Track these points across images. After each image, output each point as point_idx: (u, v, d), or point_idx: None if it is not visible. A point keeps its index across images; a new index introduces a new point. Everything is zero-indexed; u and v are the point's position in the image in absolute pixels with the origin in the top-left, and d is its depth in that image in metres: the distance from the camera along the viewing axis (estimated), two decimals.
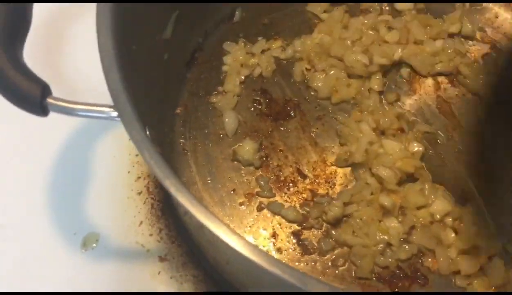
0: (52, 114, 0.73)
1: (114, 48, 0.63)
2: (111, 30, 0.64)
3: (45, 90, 0.65)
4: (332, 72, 1.01)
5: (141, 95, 0.79)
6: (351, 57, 1.00)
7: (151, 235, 0.94)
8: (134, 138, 0.57)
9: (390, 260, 0.85)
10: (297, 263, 0.87)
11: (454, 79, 1.03)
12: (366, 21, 1.05)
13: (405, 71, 1.03)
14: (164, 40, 0.93)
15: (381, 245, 0.85)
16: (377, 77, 1.00)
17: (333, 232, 0.87)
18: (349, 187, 0.92)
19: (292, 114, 1.00)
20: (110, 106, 0.63)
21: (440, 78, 1.03)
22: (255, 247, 0.54)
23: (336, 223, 0.88)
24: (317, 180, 0.94)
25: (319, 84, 1.01)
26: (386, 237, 0.85)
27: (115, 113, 0.63)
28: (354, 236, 0.86)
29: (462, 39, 1.07)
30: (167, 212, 0.95)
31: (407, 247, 0.85)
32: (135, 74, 0.75)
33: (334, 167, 0.94)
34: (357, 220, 0.86)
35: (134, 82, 0.72)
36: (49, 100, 0.65)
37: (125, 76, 0.64)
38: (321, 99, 1.01)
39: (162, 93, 0.96)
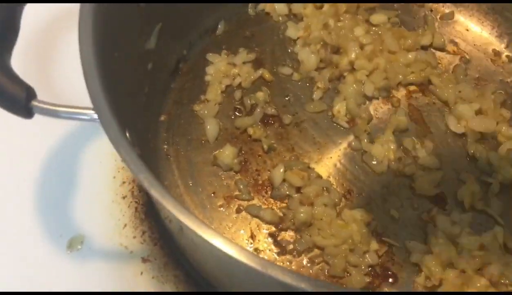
0: (40, 121, 0.77)
1: (94, 53, 0.68)
2: (92, 37, 0.69)
3: (30, 93, 0.70)
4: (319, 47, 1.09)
5: (124, 100, 0.83)
6: None
7: (134, 237, 0.97)
8: (111, 137, 0.61)
9: (361, 259, 0.89)
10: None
11: (425, 88, 1.08)
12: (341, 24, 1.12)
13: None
14: (148, 50, 0.98)
15: (350, 242, 0.89)
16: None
17: (305, 235, 0.91)
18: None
19: (271, 121, 1.05)
20: (91, 109, 0.68)
21: (412, 88, 1.08)
22: (229, 242, 0.58)
23: (307, 226, 0.92)
24: None
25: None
26: (349, 232, 0.89)
27: (96, 115, 0.67)
28: (323, 237, 0.90)
29: (434, 51, 1.12)
30: (150, 215, 0.99)
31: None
32: (118, 80, 0.80)
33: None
34: (320, 222, 0.90)
35: (116, 88, 0.77)
36: (34, 103, 0.69)
37: (106, 80, 0.69)
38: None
39: (146, 100, 1.00)
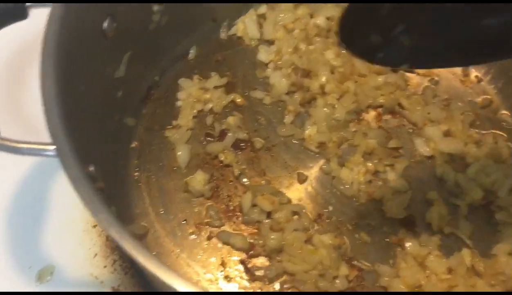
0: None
1: (56, 89, 0.68)
2: (54, 72, 0.70)
3: None
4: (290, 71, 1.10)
5: (90, 132, 0.84)
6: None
7: (105, 266, 0.97)
8: (70, 176, 0.61)
9: (331, 284, 0.89)
10: (243, 290, 0.90)
11: (395, 111, 1.09)
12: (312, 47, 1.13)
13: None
14: (117, 78, 0.98)
15: (320, 267, 0.89)
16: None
17: (276, 261, 0.92)
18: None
19: (243, 146, 1.05)
20: (51, 144, 0.68)
21: (382, 110, 1.09)
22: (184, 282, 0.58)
23: (277, 252, 0.92)
24: None
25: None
26: (319, 258, 0.89)
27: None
28: (293, 263, 0.90)
29: (403, 73, 1.14)
30: None
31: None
32: (84, 112, 0.80)
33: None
34: (291, 248, 0.91)
35: (81, 121, 0.78)
36: None
37: (69, 115, 0.70)
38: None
39: (116, 128, 1.00)
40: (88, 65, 0.84)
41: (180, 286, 0.57)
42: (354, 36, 0.80)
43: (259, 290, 0.91)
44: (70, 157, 0.64)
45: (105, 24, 0.86)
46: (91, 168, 0.73)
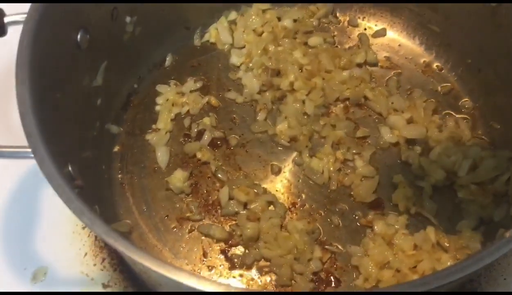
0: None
1: (31, 95, 0.75)
2: (29, 80, 0.76)
3: None
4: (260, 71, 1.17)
5: (70, 136, 0.90)
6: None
7: (95, 264, 1.02)
8: (46, 175, 0.67)
9: (305, 267, 0.95)
10: (224, 278, 0.96)
11: (361, 102, 1.15)
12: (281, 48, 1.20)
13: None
14: (95, 87, 1.04)
15: (294, 252, 0.95)
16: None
17: (253, 248, 0.98)
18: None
19: (219, 144, 1.12)
20: (26, 147, 0.74)
21: (349, 102, 1.16)
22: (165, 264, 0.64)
23: (254, 240, 0.98)
24: None
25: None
26: (293, 242, 0.95)
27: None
28: (269, 250, 0.96)
29: (368, 67, 1.20)
30: None
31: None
32: (61, 119, 0.87)
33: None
34: (267, 235, 0.97)
35: (59, 126, 0.84)
36: None
37: (45, 120, 0.76)
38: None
39: (98, 134, 1.07)
40: (63, 75, 0.90)
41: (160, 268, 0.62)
42: None
43: (239, 277, 0.96)
44: (45, 157, 0.70)
45: (78, 37, 0.92)
46: (69, 168, 0.79)
